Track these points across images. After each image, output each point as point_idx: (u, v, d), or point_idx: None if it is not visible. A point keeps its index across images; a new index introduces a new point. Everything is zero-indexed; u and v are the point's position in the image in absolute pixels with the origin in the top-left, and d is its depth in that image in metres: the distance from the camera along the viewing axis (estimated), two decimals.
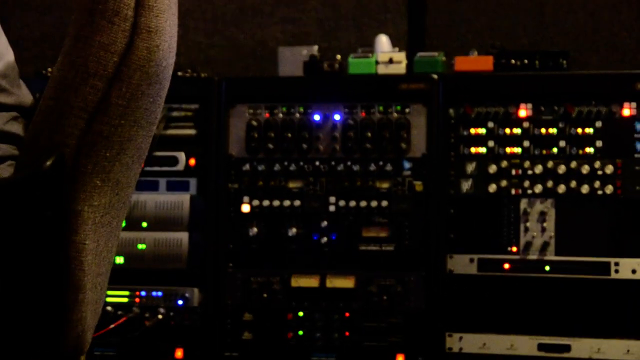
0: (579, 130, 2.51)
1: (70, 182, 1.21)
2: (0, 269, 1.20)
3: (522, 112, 2.53)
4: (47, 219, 1.19)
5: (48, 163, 1.18)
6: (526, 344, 2.49)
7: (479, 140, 2.56)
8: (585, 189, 2.48)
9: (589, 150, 2.50)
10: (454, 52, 2.77)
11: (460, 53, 2.73)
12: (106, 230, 1.26)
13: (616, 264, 2.45)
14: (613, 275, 2.45)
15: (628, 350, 2.45)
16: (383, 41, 2.81)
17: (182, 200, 2.61)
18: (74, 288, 1.23)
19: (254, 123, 2.62)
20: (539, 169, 2.51)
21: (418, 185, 2.56)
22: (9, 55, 1.35)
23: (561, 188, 2.49)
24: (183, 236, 2.59)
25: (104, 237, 1.26)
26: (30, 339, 1.24)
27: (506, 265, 2.51)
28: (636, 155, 2.47)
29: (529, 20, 3.03)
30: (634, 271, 2.44)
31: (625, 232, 2.46)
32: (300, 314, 2.59)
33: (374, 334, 2.55)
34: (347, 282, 2.57)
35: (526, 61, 2.59)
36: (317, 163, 2.60)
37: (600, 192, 2.48)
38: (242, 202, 2.62)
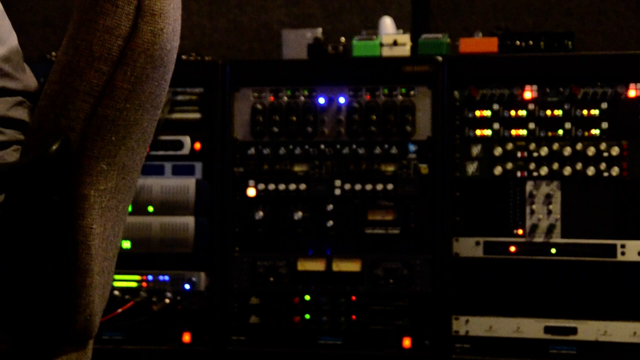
0: (585, 111, 2.50)
1: (76, 166, 1.21)
2: (9, 253, 1.20)
3: (528, 94, 2.53)
4: (54, 204, 1.19)
5: (54, 147, 1.18)
6: (532, 326, 2.49)
7: (484, 123, 2.55)
8: (591, 170, 2.47)
9: (595, 131, 2.49)
10: (459, 33, 2.77)
11: (465, 35, 2.72)
12: (113, 214, 1.26)
13: (622, 246, 2.45)
14: (619, 258, 2.45)
15: (635, 333, 2.44)
16: (387, 23, 2.80)
17: (188, 184, 2.61)
18: (81, 272, 1.23)
19: (259, 106, 2.62)
20: (544, 151, 2.50)
21: (423, 168, 2.56)
22: (13, 40, 1.34)
23: (567, 170, 2.49)
24: (189, 220, 2.60)
25: (110, 221, 1.26)
26: (39, 323, 1.24)
27: (512, 248, 2.51)
28: None
29: (534, 1, 3.01)
30: None
31: (631, 214, 2.46)
32: (307, 297, 2.59)
33: (381, 318, 2.55)
34: (353, 266, 2.57)
35: (531, 42, 2.58)
36: (322, 146, 2.60)
37: (606, 174, 2.47)
38: (247, 186, 2.62)
